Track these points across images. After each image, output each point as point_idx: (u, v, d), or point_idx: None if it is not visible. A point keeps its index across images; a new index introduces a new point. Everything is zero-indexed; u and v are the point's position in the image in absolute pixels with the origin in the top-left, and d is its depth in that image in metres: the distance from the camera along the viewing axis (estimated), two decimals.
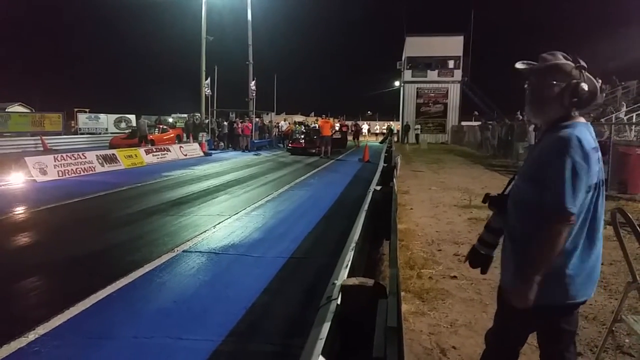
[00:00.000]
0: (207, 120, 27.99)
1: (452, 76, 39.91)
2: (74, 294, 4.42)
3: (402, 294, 4.32)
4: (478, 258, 2.36)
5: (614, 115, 21.29)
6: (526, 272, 1.98)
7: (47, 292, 4.69)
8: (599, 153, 2.03)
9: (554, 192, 1.90)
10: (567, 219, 1.90)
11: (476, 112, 41.15)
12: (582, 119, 2.06)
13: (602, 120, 19.99)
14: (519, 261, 2.07)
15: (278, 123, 36.97)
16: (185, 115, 38.38)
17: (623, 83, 26.16)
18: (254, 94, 29.87)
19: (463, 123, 40.10)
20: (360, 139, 35.35)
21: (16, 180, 12.22)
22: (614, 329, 3.04)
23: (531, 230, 2.00)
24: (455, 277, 5.05)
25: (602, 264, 5.53)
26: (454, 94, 40.25)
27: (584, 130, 1.99)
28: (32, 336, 3.60)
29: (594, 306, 4.23)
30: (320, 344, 1.81)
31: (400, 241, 6.08)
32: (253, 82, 29.89)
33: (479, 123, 32.04)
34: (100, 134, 32.67)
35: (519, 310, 2.03)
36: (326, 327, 1.96)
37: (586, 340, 3.59)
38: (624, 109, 22.04)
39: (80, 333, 3.71)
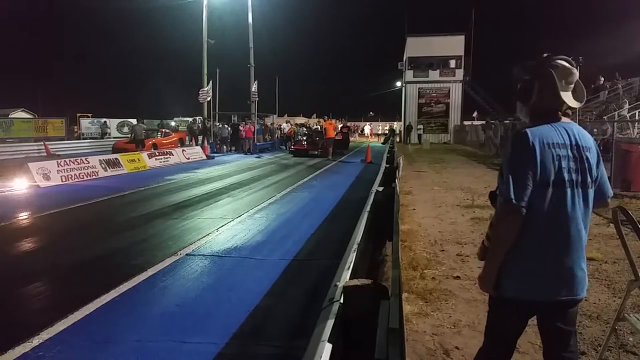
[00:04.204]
0: (209, 124, 28.03)
1: (454, 76, 39.89)
2: (78, 298, 4.43)
3: (405, 295, 4.32)
4: (484, 252, 2.40)
5: (616, 112, 21.21)
6: (486, 260, 2.14)
7: (51, 297, 4.70)
8: (576, 152, 2.03)
9: (503, 184, 2.00)
10: (512, 210, 1.96)
11: (475, 113, 41.16)
12: (563, 119, 2.12)
13: (605, 117, 19.93)
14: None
15: (280, 125, 37.03)
16: (188, 118, 38.56)
17: (627, 80, 26.04)
18: (255, 97, 29.93)
19: (465, 122, 40.08)
20: (362, 139, 35.31)
21: (20, 185, 12.27)
22: (617, 327, 3.04)
23: None
24: (458, 277, 5.05)
25: (605, 262, 5.50)
26: (456, 93, 40.22)
27: (545, 128, 2.05)
28: (36, 341, 3.61)
29: (597, 305, 4.23)
30: (322, 346, 1.82)
31: (403, 242, 6.08)
32: (255, 86, 29.96)
33: (482, 122, 32.01)
34: (103, 138, 32.78)
35: (501, 305, 2.15)
36: (328, 328, 1.97)
37: (590, 339, 3.58)
38: (627, 106, 21.94)
39: (84, 338, 3.72)
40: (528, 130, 2.02)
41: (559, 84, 2.05)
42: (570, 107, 2.12)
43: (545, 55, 2.12)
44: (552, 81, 2.05)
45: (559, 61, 2.09)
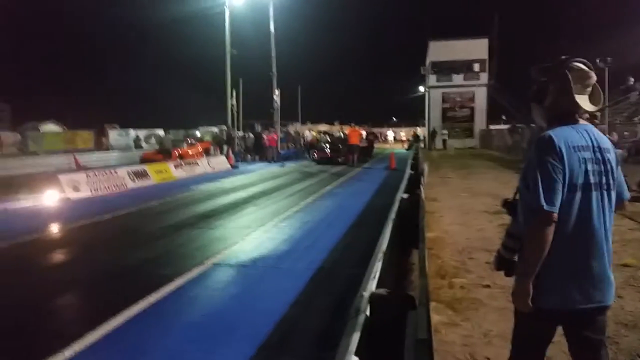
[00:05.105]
0: (233, 133, 28.33)
1: (478, 79, 39.49)
2: (108, 309, 4.49)
3: (433, 304, 4.25)
4: (501, 262, 2.35)
5: None
6: (519, 275, 2.03)
7: (82, 309, 4.80)
8: (598, 154, 1.99)
9: (531, 191, 1.93)
10: (545, 217, 1.89)
11: (504, 117, 40.62)
12: (580, 121, 2.08)
13: (636, 119, 19.42)
14: (517, 264, 2.11)
15: (303, 133, 37.20)
16: (212, 127, 39.02)
17: None
18: (277, 105, 30.15)
19: (491, 127, 39.54)
20: (386, 146, 35.15)
21: (51, 198, 12.56)
22: None
23: None
24: (488, 285, 4.94)
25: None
26: (481, 97, 39.77)
27: (567, 130, 2.00)
28: (67, 353, 3.67)
29: (633, 313, 4.08)
30: (349, 359, 1.80)
31: (429, 250, 6.00)
32: (277, 94, 30.20)
33: (508, 126, 31.55)
34: (130, 149, 33.45)
35: (529, 314, 2.04)
36: (355, 341, 1.94)
37: (627, 348, 3.46)
38: None
39: (114, 349, 3.77)
40: (552, 133, 1.97)
41: (574, 87, 2.01)
42: (585, 111, 2.07)
43: (563, 57, 2.08)
44: (567, 83, 2.01)
45: (577, 64, 2.05)
